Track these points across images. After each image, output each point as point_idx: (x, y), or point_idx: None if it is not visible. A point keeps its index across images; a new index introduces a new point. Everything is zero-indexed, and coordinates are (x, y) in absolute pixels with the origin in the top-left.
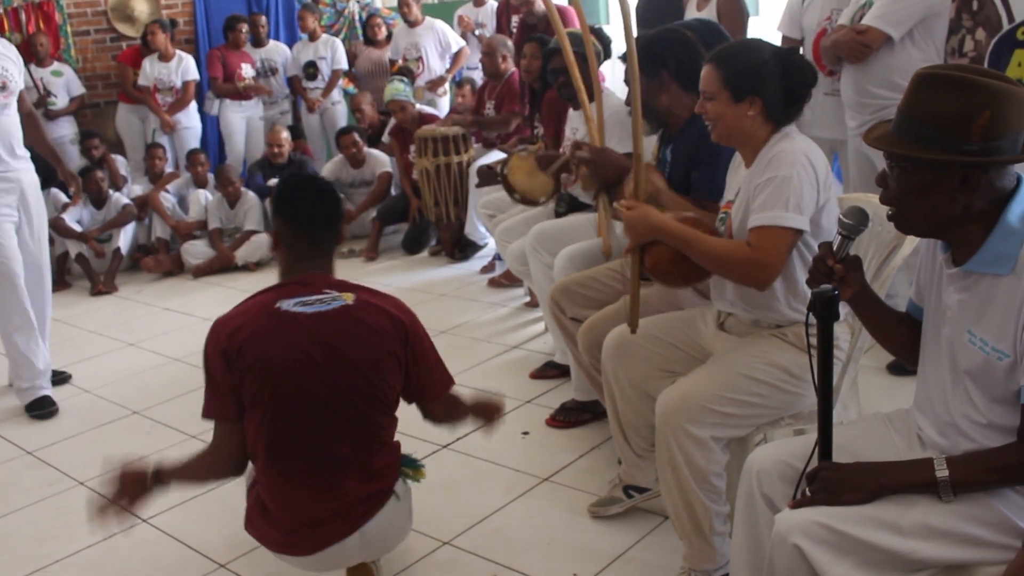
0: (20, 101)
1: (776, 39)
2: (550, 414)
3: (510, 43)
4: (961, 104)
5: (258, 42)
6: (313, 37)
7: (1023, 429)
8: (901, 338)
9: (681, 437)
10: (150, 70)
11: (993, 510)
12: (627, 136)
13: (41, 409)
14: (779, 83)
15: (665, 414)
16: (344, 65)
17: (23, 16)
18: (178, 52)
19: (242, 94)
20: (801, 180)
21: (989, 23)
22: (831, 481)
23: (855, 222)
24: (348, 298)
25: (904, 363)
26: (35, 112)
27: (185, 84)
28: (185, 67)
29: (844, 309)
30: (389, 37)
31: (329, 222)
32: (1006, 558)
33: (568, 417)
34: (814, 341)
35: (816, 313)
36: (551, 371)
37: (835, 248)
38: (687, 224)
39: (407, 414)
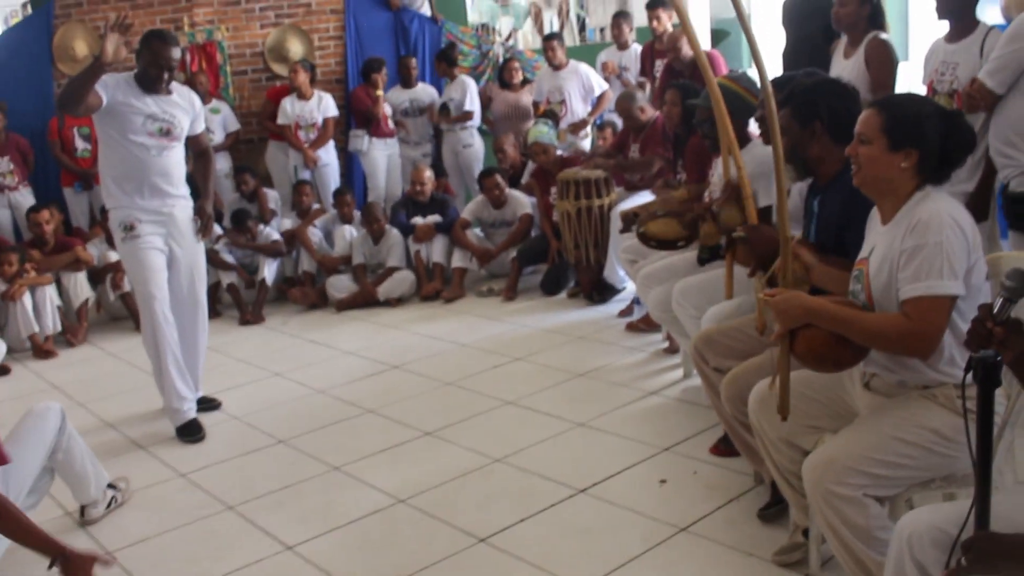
0: (197, 140)
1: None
2: (714, 443)
3: (640, 95)
4: None
5: (407, 83)
6: (451, 79)
7: None
8: None
9: (832, 500)
10: (290, 109)
11: None
12: (773, 186)
13: (188, 435)
14: (939, 141)
15: (812, 479)
16: (470, 105)
17: (187, 56)
18: (317, 91)
19: (386, 132)
20: (952, 244)
21: None
22: (988, 552)
23: (1018, 284)
24: None
25: None
26: (211, 153)
27: (325, 121)
28: (325, 105)
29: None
30: (525, 81)
31: None
32: None
33: (731, 446)
34: (970, 404)
35: (977, 379)
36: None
37: (995, 311)
38: (838, 303)
39: (546, 456)
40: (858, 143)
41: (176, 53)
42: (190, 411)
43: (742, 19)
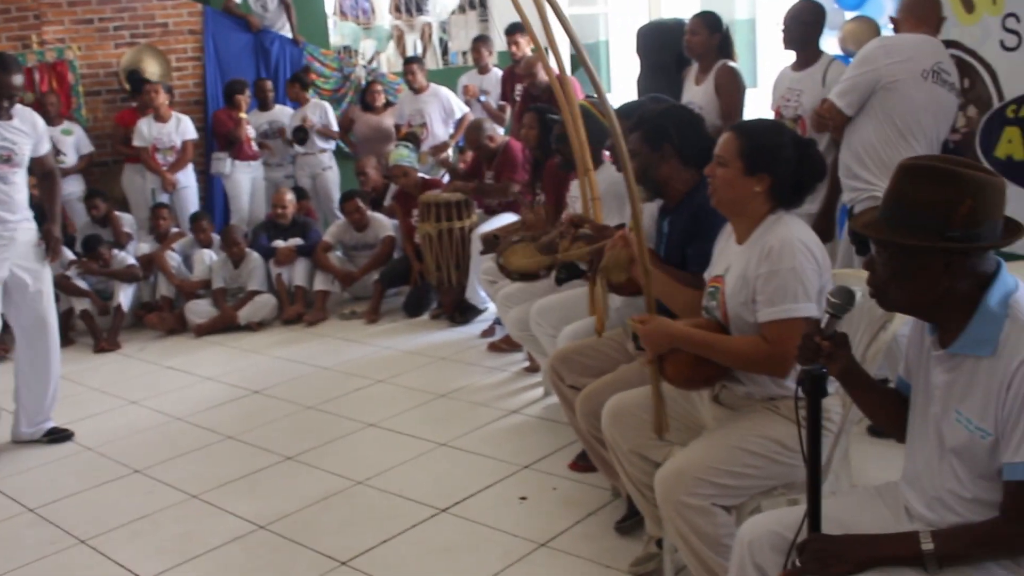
0: (41, 162)
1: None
2: (572, 459)
3: (488, 124)
4: (944, 193)
5: (265, 106)
6: (303, 103)
7: (1005, 504)
8: (889, 413)
9: (682, 510)
10: (147, 131)
11: None
12: (623, 207)
13: None
14: (792, 169)
15: (663, 491)
16: (334, 127)
17: (36, 76)
18: (175, 113)
19: (250, 155)
20: (805, 269)
21: (980, 100)
22: (820, 553)
23: (842, 301)
24: None
25: (892, 437)
26: (56, 175)
27: (184, 144)
28: (184, 127)
29: (835, 383)
30: (387, 104)
31: None
32: None
33: (589, 462)
34: (804, 414)
35: (805, 390)
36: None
37: (823, 326)
38: (701, 327)
39: (408, 477)
40: (716, 165)
41: (18, 80)
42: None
43: (580, 53)
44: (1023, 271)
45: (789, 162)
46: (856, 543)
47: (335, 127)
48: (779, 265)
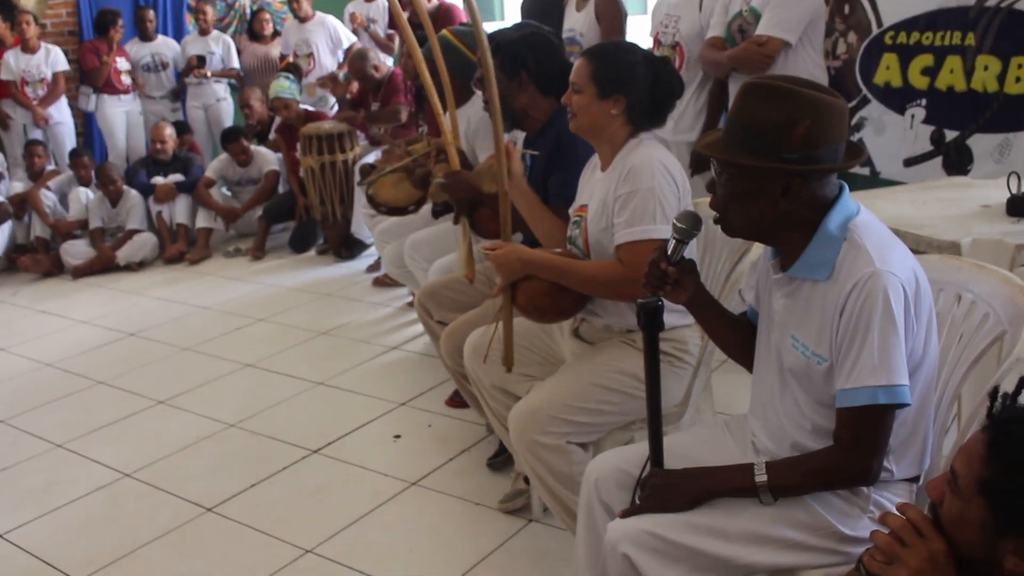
0: None
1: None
2: (449, 395)
3: (372, 53)
4: (782, 113)
5: (146, 36)
6: (204, 32)
7: (838, 433)
8: (739, 342)
9: (536, 449)
10: (15, 63)
11: (813, 514)
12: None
13: None
14: (647, 88)
15: (517, 430)
16: (236, 64)
17: None
18: (44, 44)
19: (120, 88)
20: (663, 189)
21: (860, 27)
22: (658, 488)
23: (688, 226)
24: None
25: (744, 368)
26: None
27: (55, 76)
28: (54, 59)
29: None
30: (275, 34)
31: None
32: (828, 561)
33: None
34: (668, 348)
35: (640, 323)
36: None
37: (669, 252)
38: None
39: (281, 418)
40: (572, 92)
41: None
42: None
43: None
44: (891, 196)
45: (643, 81)
46: (693, 477)
47: (235, 63)
48: (637, 185)
